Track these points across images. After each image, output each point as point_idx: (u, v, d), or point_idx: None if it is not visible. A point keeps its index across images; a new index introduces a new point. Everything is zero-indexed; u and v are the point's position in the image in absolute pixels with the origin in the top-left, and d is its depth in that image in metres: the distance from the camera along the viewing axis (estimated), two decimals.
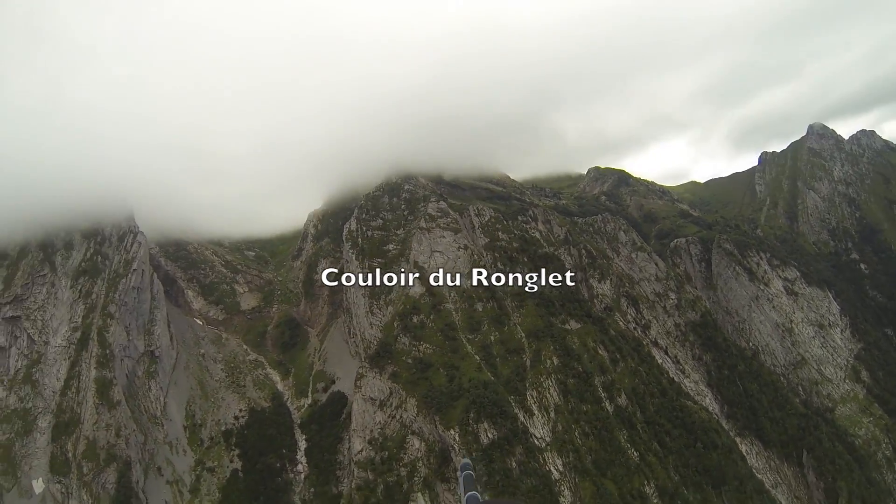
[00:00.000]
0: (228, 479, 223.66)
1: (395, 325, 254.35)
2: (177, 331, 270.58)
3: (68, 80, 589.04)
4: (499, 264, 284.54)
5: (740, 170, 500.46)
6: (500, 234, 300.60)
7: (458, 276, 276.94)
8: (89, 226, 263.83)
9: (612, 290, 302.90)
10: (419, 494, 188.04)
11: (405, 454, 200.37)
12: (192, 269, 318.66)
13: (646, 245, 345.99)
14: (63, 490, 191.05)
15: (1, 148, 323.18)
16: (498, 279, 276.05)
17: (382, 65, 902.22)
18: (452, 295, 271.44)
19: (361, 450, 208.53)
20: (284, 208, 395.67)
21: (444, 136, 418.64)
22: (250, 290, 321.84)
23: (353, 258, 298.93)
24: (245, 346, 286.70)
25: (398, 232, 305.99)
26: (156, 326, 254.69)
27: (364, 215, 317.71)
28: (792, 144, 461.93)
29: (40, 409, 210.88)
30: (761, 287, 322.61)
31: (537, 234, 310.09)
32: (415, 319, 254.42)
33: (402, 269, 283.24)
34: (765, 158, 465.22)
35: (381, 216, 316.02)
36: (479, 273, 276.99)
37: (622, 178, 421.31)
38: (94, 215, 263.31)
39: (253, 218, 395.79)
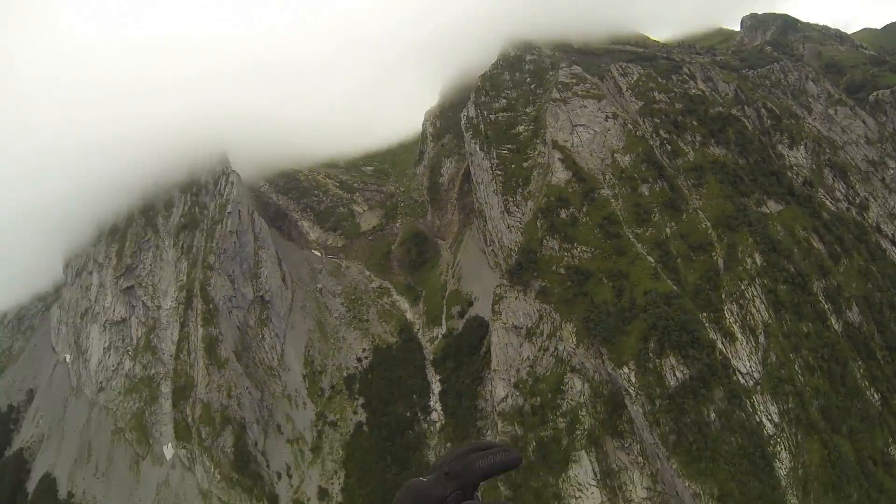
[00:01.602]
0: (352, 434, 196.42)
1: (539, 224, 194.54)
2: (291, 268, 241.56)
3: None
4: (661, 132, 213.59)
5: None
6: (655, 94, 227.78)
7: (611, 152, 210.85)
8: (185, 178, 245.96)
9: (808, 159, 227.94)
10: (583, 454, 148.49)
11: (563, 400, 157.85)
12: (305, 197, 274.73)
13: (846, 98, 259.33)
14: (188, 455, 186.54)
15: (95, 120, 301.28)
16: (665, 151, 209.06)
17: None
18: (608, 177, 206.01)
19: (506, 396, 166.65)
20: (398, 112, 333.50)
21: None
22: (370, 207, 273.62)
23: (477, 149, 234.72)
24: (367, 273, 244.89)
25: (527, 110, 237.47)
26: (262, 269, 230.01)
27: (483, 98, 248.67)
28: None
29: (161, 375, 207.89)
30: None
31: (702, 94, 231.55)
32: (563, 214, 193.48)
33: (539, 153, 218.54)
34: None
35: (503, 96, 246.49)
36: (640, 145, 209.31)
37: (788, 22, 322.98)
38: (189, 165, 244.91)
39: (366, 130, 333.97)
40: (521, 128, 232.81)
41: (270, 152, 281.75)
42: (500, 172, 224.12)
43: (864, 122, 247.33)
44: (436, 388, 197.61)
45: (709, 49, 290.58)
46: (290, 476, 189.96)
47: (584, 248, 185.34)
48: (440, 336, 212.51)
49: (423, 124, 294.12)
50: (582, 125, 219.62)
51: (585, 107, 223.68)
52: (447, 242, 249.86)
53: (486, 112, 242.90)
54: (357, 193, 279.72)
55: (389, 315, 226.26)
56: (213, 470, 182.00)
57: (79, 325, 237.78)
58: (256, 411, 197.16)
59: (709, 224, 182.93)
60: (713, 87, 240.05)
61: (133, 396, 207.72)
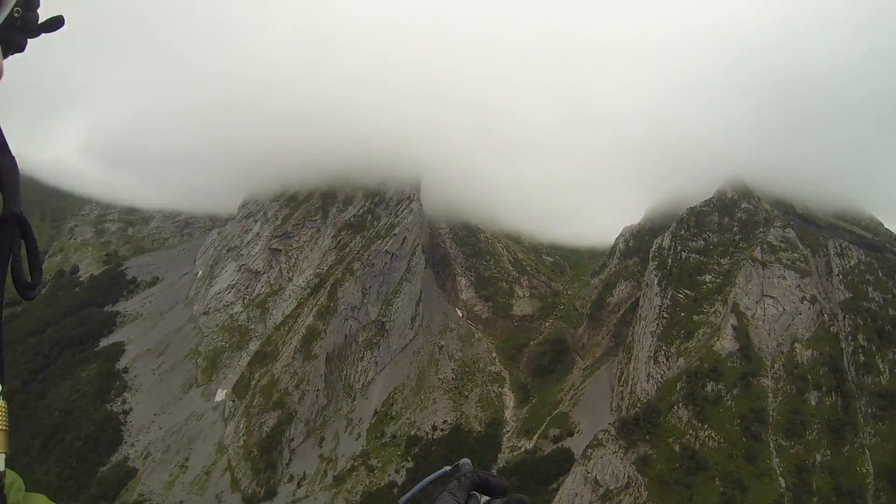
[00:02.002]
0: (380, 488, 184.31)
1: (679, 387, 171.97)
2: (427, 314, 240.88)
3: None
4: (860, 337, 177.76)
5: None
6: (869, 290, 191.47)
7: (793, 339, 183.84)
8: (375, 186, 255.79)
9: None
10: None
11: None
12: (476, 257, 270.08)
13: None
14: (232, 409, 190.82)
15: (310, 111, 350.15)
16: (856, 361, 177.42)
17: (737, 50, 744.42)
18: (777, 367, 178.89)
19: None
20: (601, 217, 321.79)
21: (796, 151, 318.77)
22: (531, 296, 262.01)
23: (655, 282, 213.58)
24: (494, 354, 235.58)
25: (722, 260, 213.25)
26: (398, 299, 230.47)
27: (683, 232, 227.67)
28: None
29: (258, 334, 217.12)
30: None
31: None
32: (709, 387, 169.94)
33: (716, 311, 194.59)
34: None
35: (703, 236, 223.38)
36: (829, 343, 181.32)
37: None
38: (384, 176, 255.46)
39: (562, 220, 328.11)
40: (708, 277, 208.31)
41: (464, 199, 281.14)
42: (666, 315, 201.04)
43: None
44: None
45: None
46: (299, 486, 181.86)
47: (714, 434, 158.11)
48: (524, 449, 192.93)
49: (617, 238, 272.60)
50: (773, 297, 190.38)
51: (784, 278, 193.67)
52: (585, 362, 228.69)
53: (679, 247, 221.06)
54: (526, 277, 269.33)
55: (490, 404, 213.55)
56: (241, 435, 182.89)
57: (224, 254, 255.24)
58: (311, 414, 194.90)
59: (872, 470, 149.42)
60: None
61: (225, 335, 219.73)
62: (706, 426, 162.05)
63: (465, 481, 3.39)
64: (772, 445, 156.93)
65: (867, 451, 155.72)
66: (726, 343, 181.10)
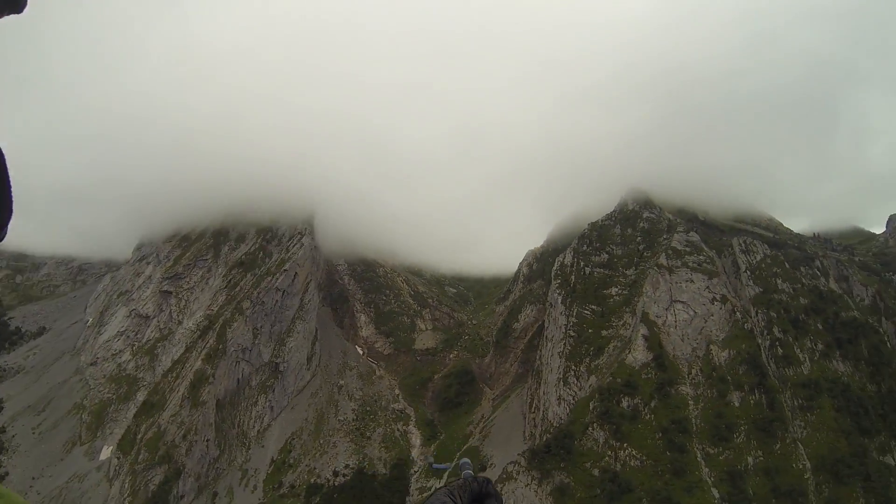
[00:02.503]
0: None
1: (592, 406, 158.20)
2: (325, 353, 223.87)
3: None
4: (776, 330, 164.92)
5: None
6: (778, 282, 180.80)
7: (708, 342, 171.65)
8: (268, 222, 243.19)
9: None
10: None
11: None
12: (375, 292, 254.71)
13: None
14: (116, 468, 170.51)
15: (197, 143, 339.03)
16: (774, 355, 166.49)
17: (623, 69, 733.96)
18: (695, 373, 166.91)
19: None
20: (504, 245, 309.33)
21: (694, 163, 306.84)
22: (434, 329, 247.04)
23: (559, 301, 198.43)
24: (397, 391, 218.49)
25: (628, 272, 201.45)
26: (292, 339, 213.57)
27: (585, 247, 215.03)
28: None
29: (145, 383, 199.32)
30: None
31: (833, 294, 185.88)
32: (624, 403, 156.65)
33: (625, 323, 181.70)
34: None
35: (607, 250, 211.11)
36: (745, 341, 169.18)
37: None
38: (275, 213, 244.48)
39: (464, 249, 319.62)
40: (614, 290, 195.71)
41: (361, 234, 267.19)
42: (573, 334, 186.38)
43: None
44: None
45: (846, 247, 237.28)
46: None
47: (635, 452, 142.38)
48: (433, 489, 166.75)
49: (520, 263, 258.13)
50: (682, 302, 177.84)
51: (692, 282, 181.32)
52: (493, 392, 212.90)
53: (582, 263, 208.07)
54: (428, 310, 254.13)
55: (395, 443, 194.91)
56: (126, 496, 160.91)
57: (114, 300, 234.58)
58: (201, 466, 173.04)
59: (808, 465, 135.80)
60: (847, 289, 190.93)
61: (112, 386, 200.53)
62: (626, 445, 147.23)
63: (468, 485, 3.20)
64: (699, 455, 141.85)
65: (800, 445, 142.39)
66: (638, 354, 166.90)
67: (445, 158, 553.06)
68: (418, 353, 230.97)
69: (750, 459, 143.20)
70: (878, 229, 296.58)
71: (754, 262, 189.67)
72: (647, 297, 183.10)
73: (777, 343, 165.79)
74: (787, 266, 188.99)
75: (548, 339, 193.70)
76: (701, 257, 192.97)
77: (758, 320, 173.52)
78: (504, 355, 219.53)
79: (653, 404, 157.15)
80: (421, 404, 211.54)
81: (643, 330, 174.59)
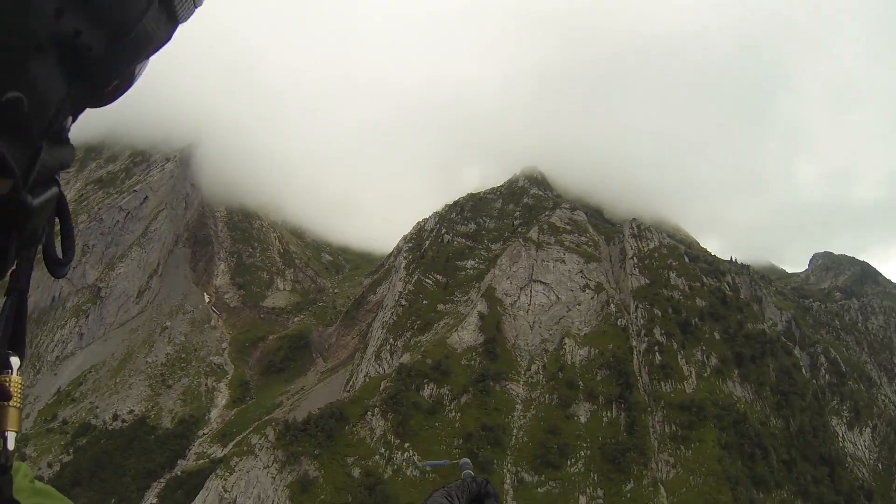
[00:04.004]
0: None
1: (383, 387, 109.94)
2: (164, 291, 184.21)
3: None
4: (657, 331, 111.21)
5: None
6: (671, 276, 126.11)
7: (565, 333, 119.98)
8: (145, 147, 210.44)
9: (874, 452, 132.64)
10: None
11: None
12: (243, 243, 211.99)
13: None
14: None
15: None
16: (650, 363, 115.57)
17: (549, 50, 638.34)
18: (536, 371, 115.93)
19: None
20: (402, 218, 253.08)
21: (603, 155, 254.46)
22: (292, 290, 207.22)
23: (402, 266, 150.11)
24: (224, 345, 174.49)
25: (493, 246, 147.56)
26: (124, 264, 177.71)
27: (454, 215, 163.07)
28: None
29: None
30: None
31: (739, 302, 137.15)
32: (426, 391, 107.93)
33: (469, 300, 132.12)
34: None
35: (478, 220, 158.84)
36: (615, 340, 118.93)
37: (867, 273, 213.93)
38: (155, 140, 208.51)
39: (352, 217, 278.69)
40: (470, 263, 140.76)
41: (248, 184, 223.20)
42: (404, 304, 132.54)
43: None
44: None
45: (763, 276, 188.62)
46: None
47: (417, 458, 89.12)
48: (210, 458, 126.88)
49: (404, 236, 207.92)
50: (544, 284, 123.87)
51: (563, 262, 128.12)
52: (326, 364, 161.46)
53: (445, 230, 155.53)
54: (293, 271, 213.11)
55: (195, 399, 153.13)
56: None
57: None
58: None
59: None
60: (760, 309, 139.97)
61: None
62: (408, 445, 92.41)
63: (467, 486, 2.89)
64: (508, 480, 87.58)
65: (662, 490, 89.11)
66: (466, 335, 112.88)
67: (328, 104, 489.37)
68: (263, 311, 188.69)
69: (583, 500, 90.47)
70: (798, 269, 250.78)
71: (646, 249, 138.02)
72: (500, 271, 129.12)
73: (656, 348, 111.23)
74: (687, 261, 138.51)
75: (384, 307, 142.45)
76: (583, 238, 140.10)
77: (636, 317, 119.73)
78: (350, 327, 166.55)
79: (464, 399, 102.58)
80: (244, 363, 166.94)
81: (482, 307, 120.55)
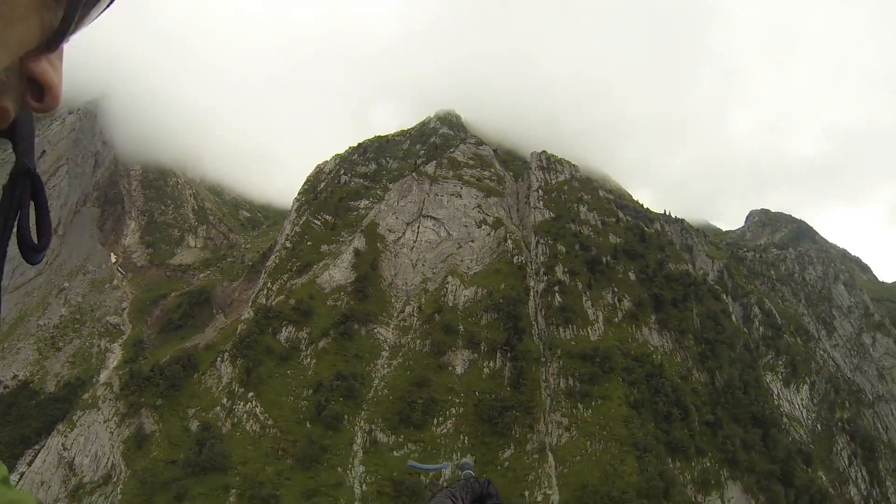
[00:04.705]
0: None
1: (239, 331, 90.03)
2: (65, 251, 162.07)
3: None
4: (560, 271, 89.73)
5: None
6: (582, 210, 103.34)
7: (452, 273, 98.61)
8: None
9: (812, 412, 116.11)
10: None
11: None
12: (156, 201, 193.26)
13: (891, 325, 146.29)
14: None
15: None
16: (547, 305, 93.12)
17: None
18: (409, 311, 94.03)
19: None
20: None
21: (539, 114, 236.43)
22: (204, 247, 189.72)
23: (294, 211, 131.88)
24: (124, 305, 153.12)
25: (391, 185, 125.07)
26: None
27: (356, 156, 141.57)
28: None
29: None
30: None
31: (662, 239, 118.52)
32: (283, 334, 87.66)
33: (354, 238, 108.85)
34: None
35: (380, 161, 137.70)
36: (508, 280, 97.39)
37: (804, 231, 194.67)
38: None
39: (282, 181, 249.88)
40: (364, 202, 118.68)
41: (163, 140, 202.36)
42: (288, 246, 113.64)
43: None
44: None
45: (698, 229, 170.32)
46: None
47: (261, 411, 75.38)
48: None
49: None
50: (435, 219, 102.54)
51: (459, 196, 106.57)
52: (227, 321, 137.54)
53: (343, 171, 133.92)
54: (205, 227, 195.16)
55: (85, 361, 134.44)
56: None
57: None
58: None
59: (557, 497, 67.64)
60: (690, 258, 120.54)
61: None
62: (253, 396, 74.86)
63: (470, 486, 2.99)
64: (359, 439, 66.32)
65: (550, 458, 68.84)
66: (338, 274, 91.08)
67: (236, 49, 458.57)
68: (170, 269, 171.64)
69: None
70: (734, 227, 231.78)
71: (554, 182, 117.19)
72: (387, 206, 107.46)
73: (557, 288, 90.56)
74: (601, 196, 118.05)
75: (272, 251, 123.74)
76: (486, 173, 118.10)
77: (536, 254, 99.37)
78: (254, 281, 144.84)
79: (322, 344, 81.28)
80: (143, 322, 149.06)
81: (359, 243, 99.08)
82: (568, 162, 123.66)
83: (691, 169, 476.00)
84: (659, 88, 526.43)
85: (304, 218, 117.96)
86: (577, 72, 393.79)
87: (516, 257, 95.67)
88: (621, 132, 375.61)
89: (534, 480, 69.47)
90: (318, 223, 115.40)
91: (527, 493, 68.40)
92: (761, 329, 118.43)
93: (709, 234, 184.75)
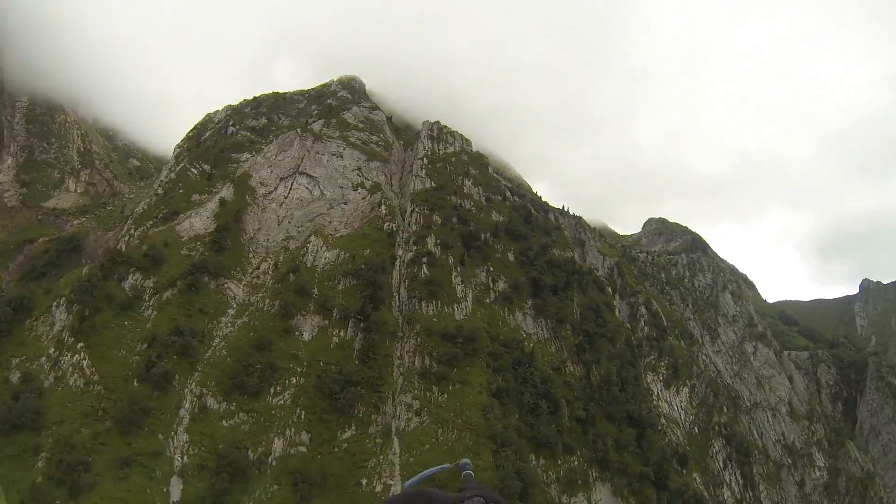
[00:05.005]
0: None
1: (84, 276, 77.06)
2: None
3: None
4: (432, 242, 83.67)
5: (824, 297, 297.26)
6: (467, 184, 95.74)
7: (310, 233, 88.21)
8: None
9: (690, 414, 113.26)
10: None
11: None
12: (39, 137, 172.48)
13: (773, 339, 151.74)
14: None
15: None
16: (412, 275, 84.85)
17: None
18: (263, 269, 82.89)
19: None
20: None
21: (444, 94, 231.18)
22: (84, 192, 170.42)
23: (173, 157, 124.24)
24: None
25: (275, 139, 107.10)
26: None
27: (248, 109, 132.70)
28: None
29: None
30: None
31: (549, 225, 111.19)
32: (128, 282, 76.03)
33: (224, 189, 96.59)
34: (867, 287, 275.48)
35: (272, 117, 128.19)
36: (374, 245, 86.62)
37: (698, 243, 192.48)
38: None
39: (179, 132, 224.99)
40: (246, 155, 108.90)
41: (55, 74, 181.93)
42: (160, 193, 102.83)
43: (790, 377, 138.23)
44: None
45: (594, 228, 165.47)
46: None
47: (89, 365, 67.23)
48: None
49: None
50: (311, 177, 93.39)
51: (340, 157, 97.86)
52: None
53: (233, 122, 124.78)
54: (88, 172, 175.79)
55: None
56: None
57: None
58: None
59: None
60: (582, 253, 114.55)
61: None
62: (83, 348, 68.28)
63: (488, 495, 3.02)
64: (188, 403, 60.66)
65: (396, 443, 62.24)
66: (198, 223, 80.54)
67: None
68: (43, 212, 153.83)
69: (279, 443, 60.23)
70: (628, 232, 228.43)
71: (442, 152, 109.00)
72: (264, 159, 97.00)
73: (425, 260, 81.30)
74: (490, 173, 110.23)
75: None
76: (374, 137, 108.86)
77: (410, 222, 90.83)
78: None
79: (167, 295, 71.71)
80: (4, 268, 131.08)
81: (227, 193, 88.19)
82: (461, 135, 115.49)
83: (593, 169, 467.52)
84: (567, 82, 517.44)
85: (182, 165, 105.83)
86: (485, 54, 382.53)
87: (388, 224, 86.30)
88: (524, 122, 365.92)
89: (374, 468, 60.22)
90: (195, 172, 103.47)
91: (364, 482, 59.03)
92: (646, 329, 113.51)
93: (605, 236, 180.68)
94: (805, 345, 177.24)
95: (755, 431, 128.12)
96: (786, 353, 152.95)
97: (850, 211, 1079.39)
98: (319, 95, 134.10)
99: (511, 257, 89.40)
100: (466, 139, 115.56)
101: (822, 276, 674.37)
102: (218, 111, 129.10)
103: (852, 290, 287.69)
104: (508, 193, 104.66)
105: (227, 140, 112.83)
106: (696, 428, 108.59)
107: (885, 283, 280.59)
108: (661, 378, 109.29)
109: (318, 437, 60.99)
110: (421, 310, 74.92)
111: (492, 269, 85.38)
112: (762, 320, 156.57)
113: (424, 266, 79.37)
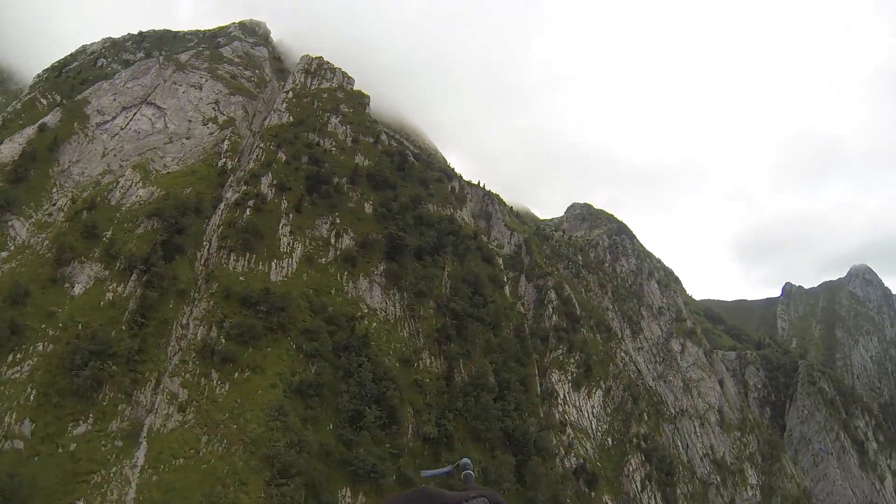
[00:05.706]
0: None
1: None
2: None
3: None
4: (266, 182, 74.46)
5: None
6: (336, 123, 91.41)
7: (130, 167, 70.37)
8: None
9: (604, 418, 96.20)
10: None
11: None
12: None
13: (700, 334, 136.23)
14: None
15: None
16: (229, 219, 68.09)
17: None
18: (55, 209, 67.75)
19: None
20: None
21: (355, 47, 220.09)
22: None
23: (29, 88, 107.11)
24: None
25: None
26: None
27: (129, 43, 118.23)
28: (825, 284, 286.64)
29: None
30: None
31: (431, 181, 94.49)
32: None
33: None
34: (789, 291, 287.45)
35: (152, 53, 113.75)
36: (201, 185, 71.49)
37: (623, 231, 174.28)
38: None
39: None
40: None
41: None
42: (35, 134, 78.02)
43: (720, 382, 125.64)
44: None
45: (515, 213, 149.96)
46: None
47: None
48: None
49: None
50: (160, 109, 76.50)
51: (198, 88, 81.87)
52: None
53: (108, 58, 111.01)
54: None
55: None
56: None
57: None
58: None
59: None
60: (487, 227, 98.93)
61: None
62: None
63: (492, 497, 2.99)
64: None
65: (141, 449, 46.68)
66: (7, 149, 77.62)
67: None
68: None
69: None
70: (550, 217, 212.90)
71: (314, 88, 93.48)
72: (110, 85, 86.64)
73: (251, 203, 66.37)
74: (379, 125, 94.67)
75: None
76: (248, 73, 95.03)
77: (249, 160, 75.69)
78: None
79: None
80: None
81: (51, 119, 78.99)
82: (344, 72, 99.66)
83: (517, 145, 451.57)
84: (493, 46, 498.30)
85: (33, 95, 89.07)
86: (405, 9, 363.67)
87: (225, 161, 70.16)
88: (444, 84, 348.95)
89: (99, 484, 43.51)
90: (44, 103, 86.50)
91: (80, 502, 42.11)
92: (555, 318, 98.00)
93: (524, 218, 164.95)
94: (732, 345, 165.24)
95: (679, 444, 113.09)
96: (717, 352, 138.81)
97: (777, 215, 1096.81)
98: (213, 36, 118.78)
99: (369, 209, 73.69)
100: (349, 77, 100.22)
101: (745, 276, 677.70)
102: (95, 42, 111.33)
103: (774, 292, 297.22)
104: (384, 138, 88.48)
105: (92, 72, 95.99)
106: (609, 439, 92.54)
107: (806, 287, 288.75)
108: (569, 378, 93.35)
109: (42, 428, 44.92)
110: (227, 266, 59.01)
111: (338, 220, 69.92)
112: (691, 316, 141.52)
113: (248, 210, 63.33)
